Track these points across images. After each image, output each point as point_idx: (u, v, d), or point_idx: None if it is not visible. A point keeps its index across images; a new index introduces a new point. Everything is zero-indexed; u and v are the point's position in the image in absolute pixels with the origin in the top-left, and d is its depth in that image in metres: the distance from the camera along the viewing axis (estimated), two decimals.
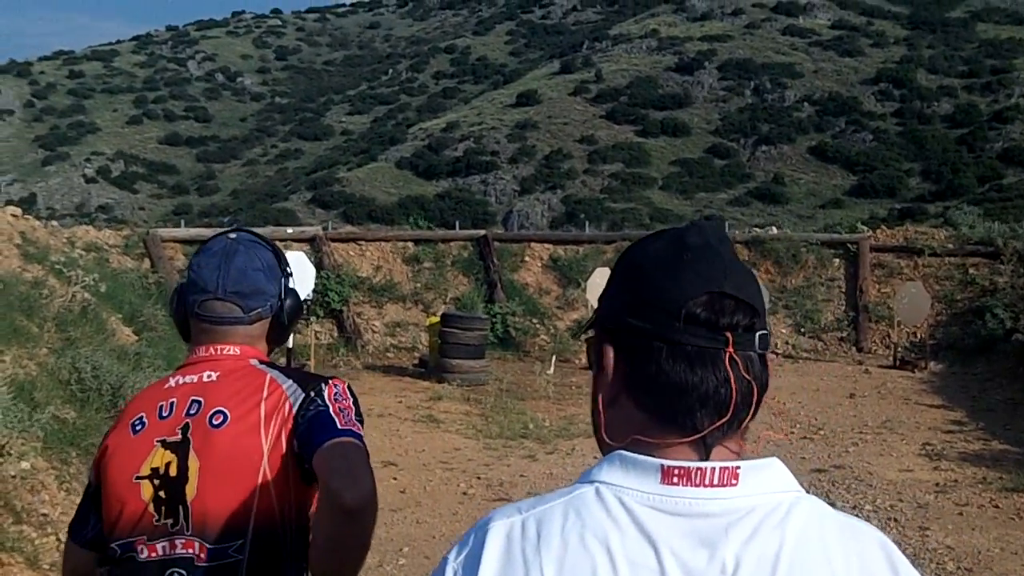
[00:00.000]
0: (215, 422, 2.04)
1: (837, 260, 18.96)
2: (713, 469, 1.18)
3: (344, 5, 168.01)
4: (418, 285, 18.04)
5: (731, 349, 1.22)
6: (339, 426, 2.01)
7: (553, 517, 1.19)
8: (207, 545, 2.01)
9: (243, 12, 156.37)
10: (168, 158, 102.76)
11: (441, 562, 1.23)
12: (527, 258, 18.81)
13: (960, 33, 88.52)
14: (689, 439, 1.22)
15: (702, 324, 1.23)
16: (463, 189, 71.46)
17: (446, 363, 14.41)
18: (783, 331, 18.00)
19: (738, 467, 1.19)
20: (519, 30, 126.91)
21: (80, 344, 9.09)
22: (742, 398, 1.23)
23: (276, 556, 2.04)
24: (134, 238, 16.75)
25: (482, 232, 19.56)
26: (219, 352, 2.16)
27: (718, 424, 1.22)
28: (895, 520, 8.08)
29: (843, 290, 18.67)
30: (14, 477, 6.13)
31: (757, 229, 20.72)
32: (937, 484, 9.25)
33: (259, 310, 2.19)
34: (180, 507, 2.02)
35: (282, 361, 2.28)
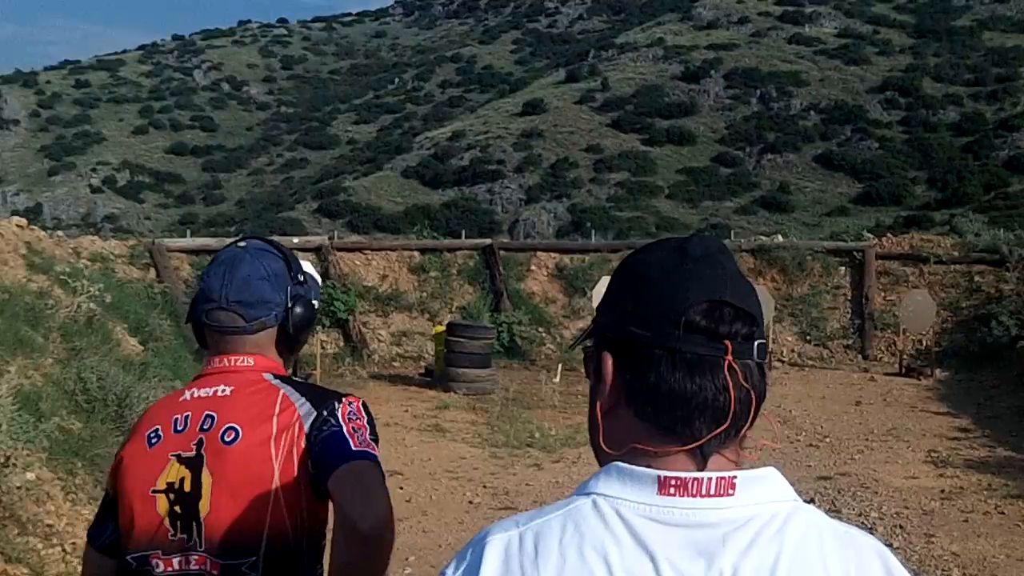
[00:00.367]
0: (227, 439, 2.04)
1: (843, 268, 18.94)
2: (710, 479, 1.19)
3: (350, 14, 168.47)
4: (424, 294, 18.04)
5: (730, 357, 1.22)
6: (353, 447, 1.99)
7: (551, 530, 1.19)
8: (220, 562, 2.00)
9: (249, 21, 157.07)
10: (174, 168, 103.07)
11: None
12: (533, 267, 18.80)
13: (966, 41, 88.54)
14: (687, 448, 1.23)
15: (702, 332, 1.23)
16: (469, 198, 71.59)
17: (452, 372, 14.41)
18: (789, 339, 17.98)
19: (735, 477, 1.19)
20: (525, 39, 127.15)
21: (85, 354, 9.10)
22: (740, 406, 1.23)
23: (289, 573, 2.03)
24: (140, 248, 16.76)
25: (488, 241, 19.56)
26: (233, 364, 2.15)
27: (716, 432, 1.22)
28: (901, 527, 8.06)
29: (849, 298, 18.65)
30: (19, 488, 6.13)
31: (763, 237, 20.71)
32: (943, 491, 9.23)
33: (263, 319, 2.17)
34: (194, 523, 2.02)
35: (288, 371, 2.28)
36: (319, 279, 2.58)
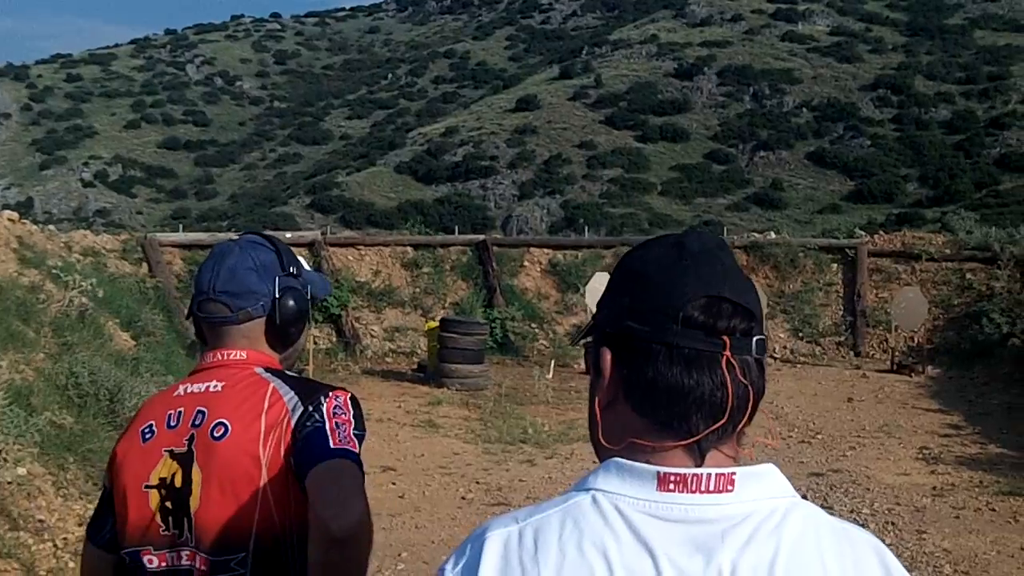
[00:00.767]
0: (216, 434, 2.03)
1: (835, 265, 18.98)
2: (709, 475, 1.19)
3: (343, 9, 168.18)
4: (417, 290, 18.03)
5: (728, 353, 1.23)
6: (332, 445, 1.97)
7: (550, 526, 1.20)
8: (209, 558, 2.00)
9: (242, 16, 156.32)
10: (166, 162, 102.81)
11: (438, 572, 1.23)
12: (526, 263, 18.80)
13: (958, 40, 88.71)
14: (684, 443, 1.22)
15: (699, 327, 1.23)
16: (462, 194, 71.60)
17: (445, 368, 14.40)
18: (781, 336, 18.01)
19: (734, 473, 1.19)
20: (519, 35, 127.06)
21: (77, 349, 9.08)
22: (738, 402, 1.23)
23: (279, 570, 2.02)
24: (132, 243, 16.72)
25: (481, 237, 19.56)
26: (226, 358, 2.15)
27: (713, 428, 1.22)
28: (892, 524, 8.08)
29: (841, 295, 18.68)
30: (10, 483, 6.12)
31: (755, 234, 20.70)
32: (934, 488, 9.26)
33: (248, 309, 2.16)
34: (184, 518, 2.02)
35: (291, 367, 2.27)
36: (327, 280, 2.56)
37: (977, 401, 13.77)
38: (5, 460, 6.18)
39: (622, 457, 1.23)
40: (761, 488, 1.20)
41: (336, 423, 2.02)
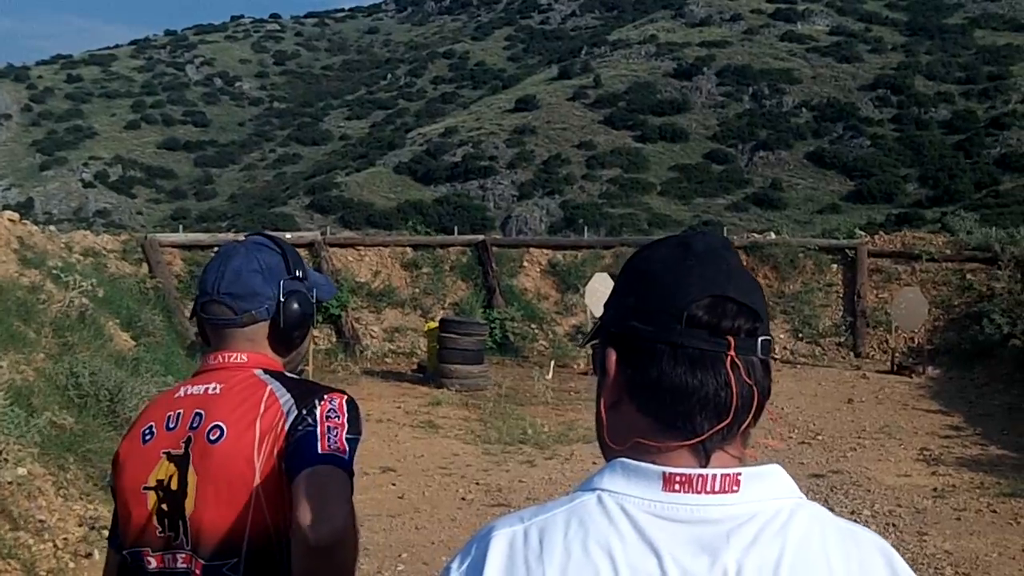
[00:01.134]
0: (212, 437, 2.02)
1: (835, 265, 18.97)
2: (715, 476, 1.19)
3: (343, 10, 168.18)
4: (417, 290, 18.04)
5: (732, 353, 1.22)
6: (320, 450, 1.94)
7: (555, 526, 1.19)
8: (202, 561, 2.00)
9: (242, 17, 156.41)
10: (166, 163, 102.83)
11: (443, 571, 1.23)
12: (525, 263, 18.80)
13: (958, 39, 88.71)
14: (688, 443, 1.22)
15: (704, 327, 1.22)
16: (461, 194, 71.63)
17: (445, 368, 14.40)
18: (781, 336, 18.00)
19: (739, 474, 1.19)
20: (518, 35, 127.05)
21: (78, 350, 9.09)
22: (743, 402, 1.23)
23: (272, 574, 2.00)
24: (132, 243, 16.72)
25: (480, 237, 19.56)
26: (227, 360, 2.14)
27: (718, 428, 1.22)
28: (893, 525, 8.08)
29: (841, 295, 18.67)
30: (11, 483, 6.11)
31: (755, 234, 20.70)
32: (935, 489, 9.25)
33: (252, 312, 2.15)
34: (180, 521, 2.02)
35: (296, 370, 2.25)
36: (332, 283, 2.54)
37: (978, 402, 13.77)
38: (5, 460, 6.18)
39: (628, 457, 1.22)
40: (766, 488, 1.20)
41: (328, 427, 1.99)
